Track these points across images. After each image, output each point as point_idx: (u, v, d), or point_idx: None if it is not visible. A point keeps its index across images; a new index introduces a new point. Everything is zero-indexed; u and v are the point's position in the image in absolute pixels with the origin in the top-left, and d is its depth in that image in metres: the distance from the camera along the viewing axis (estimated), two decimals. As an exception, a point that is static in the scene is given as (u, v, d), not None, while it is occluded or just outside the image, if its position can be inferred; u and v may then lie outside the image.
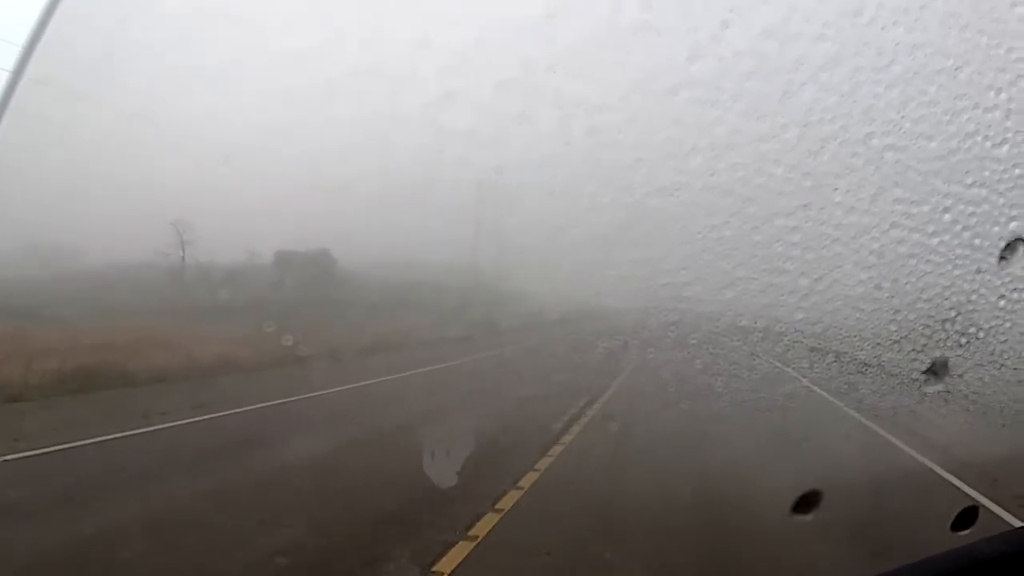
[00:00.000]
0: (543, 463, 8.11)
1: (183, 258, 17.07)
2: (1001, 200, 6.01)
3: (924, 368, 7.00)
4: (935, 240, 6.54)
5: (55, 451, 7.71)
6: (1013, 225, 5.96)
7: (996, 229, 6.03)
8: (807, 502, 4.78)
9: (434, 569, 5.09)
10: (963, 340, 6.62)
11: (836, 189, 7.76)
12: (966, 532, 3.40)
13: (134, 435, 8.65)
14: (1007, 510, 6.62)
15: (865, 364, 8.91)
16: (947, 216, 6.39)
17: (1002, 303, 6.08)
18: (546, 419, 10.21)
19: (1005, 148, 5.95)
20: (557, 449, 8.81)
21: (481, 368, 14.54)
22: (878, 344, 8.19)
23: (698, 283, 9.42)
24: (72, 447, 7.89)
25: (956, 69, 6.08)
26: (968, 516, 3.56)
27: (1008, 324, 6.27)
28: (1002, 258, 5.86)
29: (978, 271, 6.18)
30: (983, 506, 6.65)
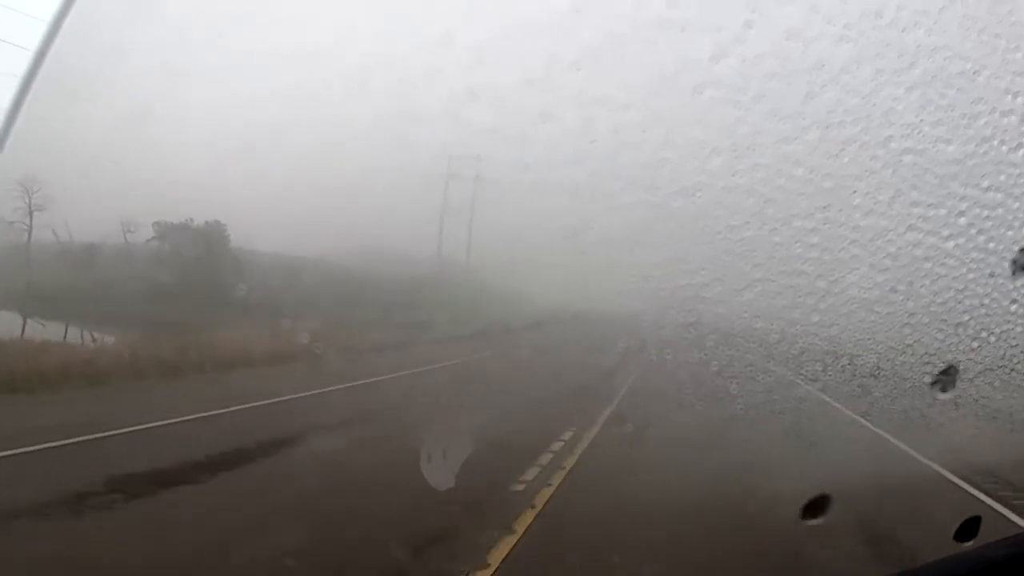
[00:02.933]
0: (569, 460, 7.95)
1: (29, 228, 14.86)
2: (1016, 204, 6.02)
3: (936, 372, 6.97)
4: (950, 243, 6.56)
5: None
6: (1027, 230, 5.97)
7: (1010, 233, 6.04)
8: (816, 506, 4.75)
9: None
10: (975, 344, 6.60)
11: (855, 191, 7.79)
12: (969, 543, 3.37)
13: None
14: (1020, 515, 6.56)
15: (878, 367, 8.85)
16: (962, 220, 6.42)
17: (1014, 307, 6.08)
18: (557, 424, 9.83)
19: (1021, 152, 5.97)
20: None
21: (488, 368, 14.40)
22: (891, 347, 8.16)
23: (717, 284, 9.46)
24: None
25: (974, 73, 6.11)
26: (971, 527, 3.53)
27: (1019, 329, 6.26)
28: (1015, 262, 5.86)
29: (991, 275, 6.18)
30: (994, 510, 6.61)
